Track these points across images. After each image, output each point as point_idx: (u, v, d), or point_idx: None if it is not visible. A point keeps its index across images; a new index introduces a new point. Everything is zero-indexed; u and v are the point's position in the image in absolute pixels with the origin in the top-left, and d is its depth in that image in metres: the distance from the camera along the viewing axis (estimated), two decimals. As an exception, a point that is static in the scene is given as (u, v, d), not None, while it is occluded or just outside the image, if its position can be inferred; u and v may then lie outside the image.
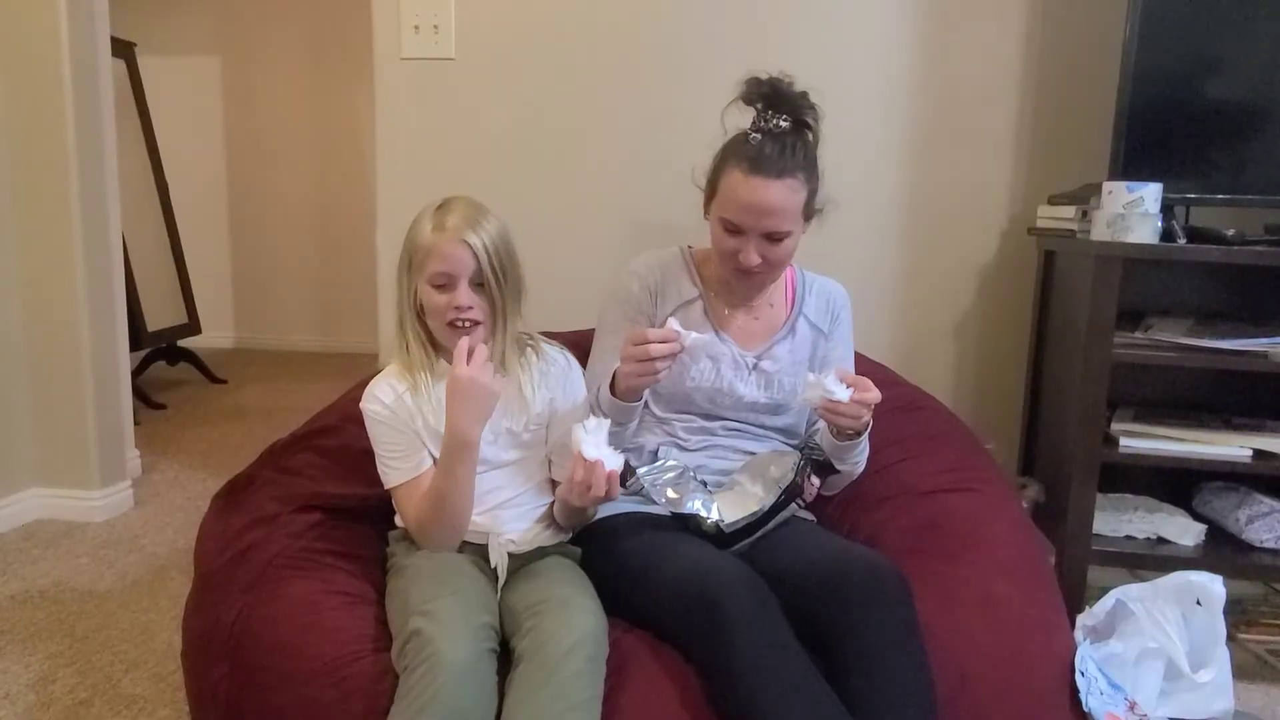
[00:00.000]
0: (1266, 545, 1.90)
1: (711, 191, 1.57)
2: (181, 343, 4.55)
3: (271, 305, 5.59)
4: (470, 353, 1.36)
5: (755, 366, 1.63)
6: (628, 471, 1.56)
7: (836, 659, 1.24)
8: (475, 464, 1.41)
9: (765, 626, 1.23)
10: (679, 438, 1.62)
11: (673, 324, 1.41)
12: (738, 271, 1.55)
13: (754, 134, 1.51)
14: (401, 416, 1.45)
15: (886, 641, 1.24)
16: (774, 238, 1.50)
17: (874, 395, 1.41)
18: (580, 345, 1.69)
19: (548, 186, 2.35)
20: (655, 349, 1.39)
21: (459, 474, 1.40)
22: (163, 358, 4.51)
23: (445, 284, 1.42)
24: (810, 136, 1.54)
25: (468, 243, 1.40)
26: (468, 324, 1.42)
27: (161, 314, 4.30)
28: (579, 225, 2.34)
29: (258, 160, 5.45)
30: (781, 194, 1.47)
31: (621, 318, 1.65)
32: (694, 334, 1.41)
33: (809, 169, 1.51)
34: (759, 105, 1.52)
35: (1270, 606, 2.18)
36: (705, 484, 1.56)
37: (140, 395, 3.99)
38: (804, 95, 1.52)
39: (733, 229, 1.51)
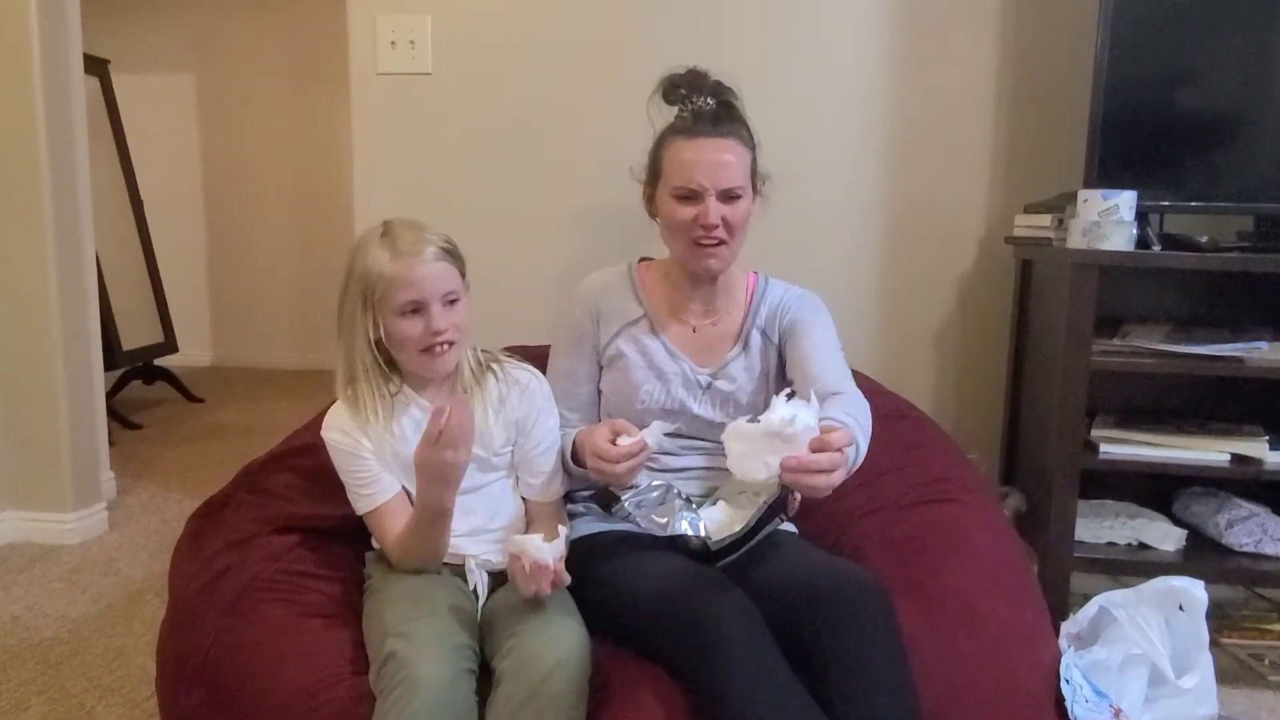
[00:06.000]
0: (1246, 549, 1.91)
1: (655, 175, 1.56)
2: (158, 361, 4.50)
3: (251, 323, 5.54)
4: (444, 421, 1.25)
5: (709, 386, 1.59)
6: (611, 499, 1.54)
7: (821, 675, 1.23)
8: (448, 521, 1.37)
9: (751, 644, 1.22)
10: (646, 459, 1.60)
11: (624, 442, 1.37)
12: (700, 247, 1.49)
13: (684, 114, 1.54)
14: (362, 444, 1.42)
15: (870, 656, 1.23)
16: (729, 196, 1.48)
17: (840, 437, 1.16)
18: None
19: (526, 200, 2.34)
20: (622, 467, 1.36)
21: (430, 534, 1.37)
22: (139, 377, 4.46)
23: (417, 310, 1.36)
24: (738, 111, 1.56)
25: (436, 262, 1.36)
26: (446, 346, 1.39)
27: (137, 333, 4.25)
28: (559, 238, 2.34)
29: (234, 177, 5.41)
30: (726, 148, 1.48)
31: (566, 343, 1.65)
32: (656, 427, 1.39)
33: (746, 134, 1.53)
34: (682, 92, 1.54)
35: (1251, 610, 2.19)
36: (690, 501, 1.55)
37: (116, 415, 3.94)
38: (719, 82, 1.55)
39: (686, 195, 1.49)
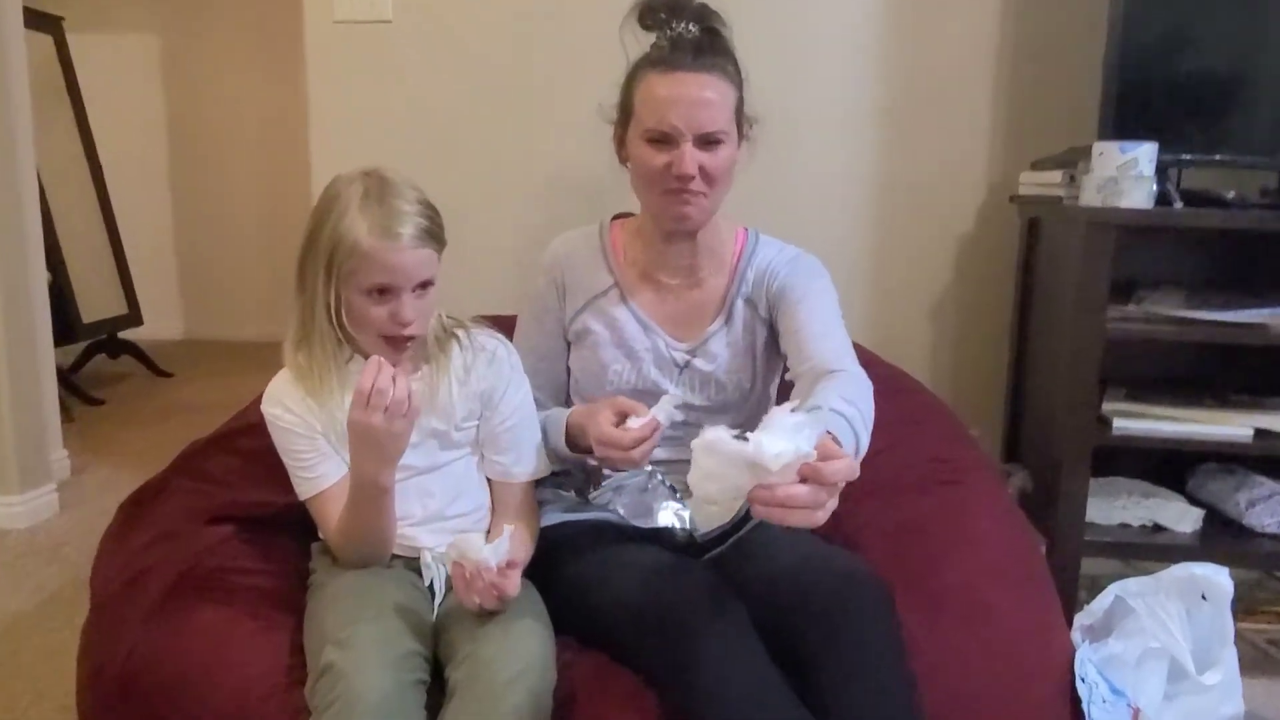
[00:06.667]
0: (1269, 530, 1.79)
1: (625, 114, 1.37)
2: (124, 334, 4.33)
3: (222, 294, 5.35)
4: (375, 383, 1.11)
5: (687, 365, 1.41)
6: (589, 485, 1.39)
7: (812, 679, 1.10)
8: (389, 500, 1.22)
9: (734, 647, 1.09)
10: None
11: (634, 423, 1.22)
12: (673, 197, 1.30)
13: (662, 42, 1.33)
14: (308, 421, 1.27)
15: (867, 659, 1.09)
16: (709, 141, 1.28)
17: (838, 469, 0.90)
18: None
19: (495, 157, 2.17)
20: (638, 452, 1.20)
21: (368, 515, 1.22)
22: (103, 351, 4.29)
23: (385, 294, 1.21)
24: (725, 41, 1.35)
25: (418, 248, 1.20)
26: (408, 339, 1.24)
27: (99, 304, 4.07)
28: (530, 198, 2.17)
29: (202, 143, 5.20)
30: (708, 84, 1.28)
31: (531, 316, 1.49)
32: (666, 400, 1.23)
33: (733, 68, 1.33)
34: (661, 16, 1.33)
35: (1267, 592, 2.08)
36: (675, 489, 1.40)
37: (76, 391, 3.78)
38: (704, 4, 1.34)
39: (660, 138, 1.29)
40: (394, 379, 1.12)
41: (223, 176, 5.23)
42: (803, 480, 0.88)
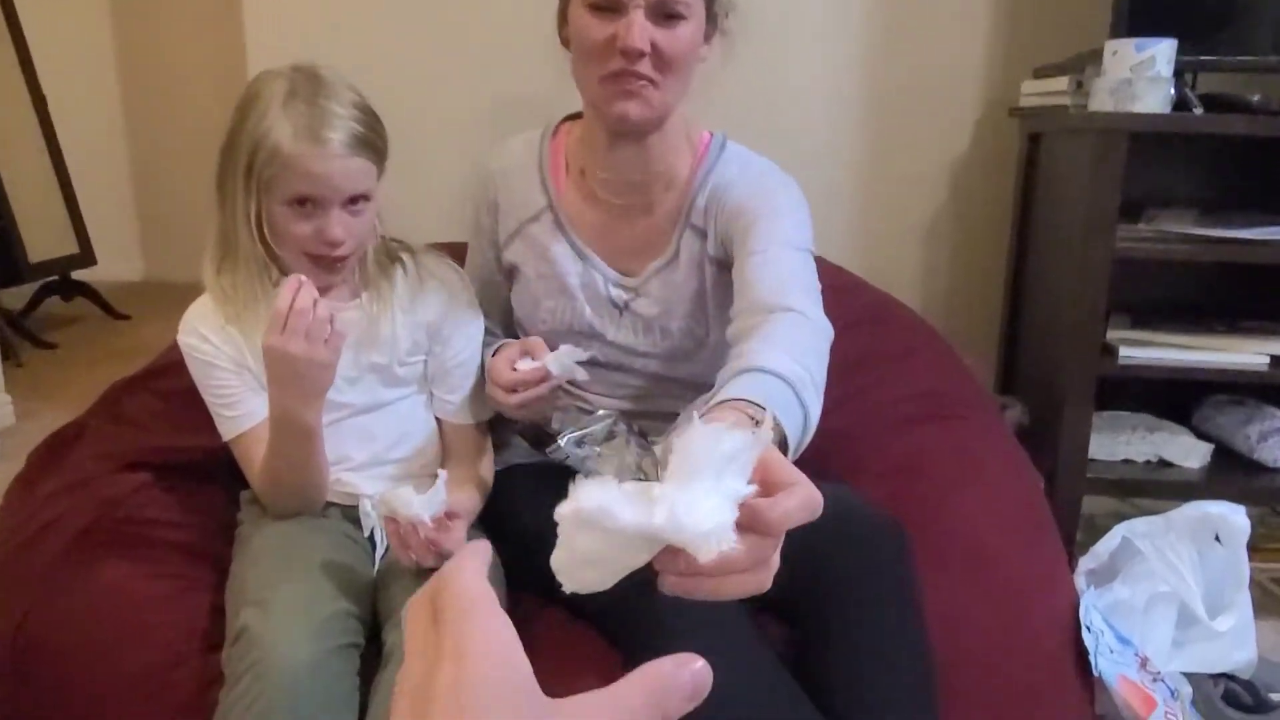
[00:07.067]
0: (1281, 465, 1.68)
1: None
2: (78, 275, 4.13)
3: (183, 234, 5.10)
4: (294, 303, 0.97)
5: (626, 307, 1.21)
6: (544, 435, 1.25)
7: (815, 637, 0.98)
8: (315, 442, 1.09)
9: (709, 615, 0.95)
10: (579, 397, 1.28)
11: (524, 366, 1.10)
12: (617, 85, 1.06)
13: None
14: (229, 352, 1.13)
15: (881, 620, 0.96)
16: (667, 14, 1.04)
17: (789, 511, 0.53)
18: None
19: (447, 57, 1.99)
20: (515, 399, 1.09)
21: (294, 456, 1.09)
22: (56, 293, 4.10)
23: (310, 206, 1.06)
24: None
25: (349, 158, 1.05)
26: (338, 260, 1.10)
27: (47, 244, 3.86)
28: (488, 106, 1.99)
29: (156, 73, 4.94)
30: None
31: (472, 239, 1.33)
32: (564, 351, 1.10)
33: None
34: None
35: (1269, 529, 1.98)
36: (646, 436, 1.26)
37: (27, 334, 3.61)
38: None
39: (605, 3, 1.04)
40: (315, 301, 0.97)
41: (181, 109, 4.97)
42: (740, 527, 0.51)
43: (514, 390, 1.09)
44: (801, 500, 0.52)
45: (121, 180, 5.08)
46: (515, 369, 1.09)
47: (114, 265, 4.71)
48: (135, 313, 4.29)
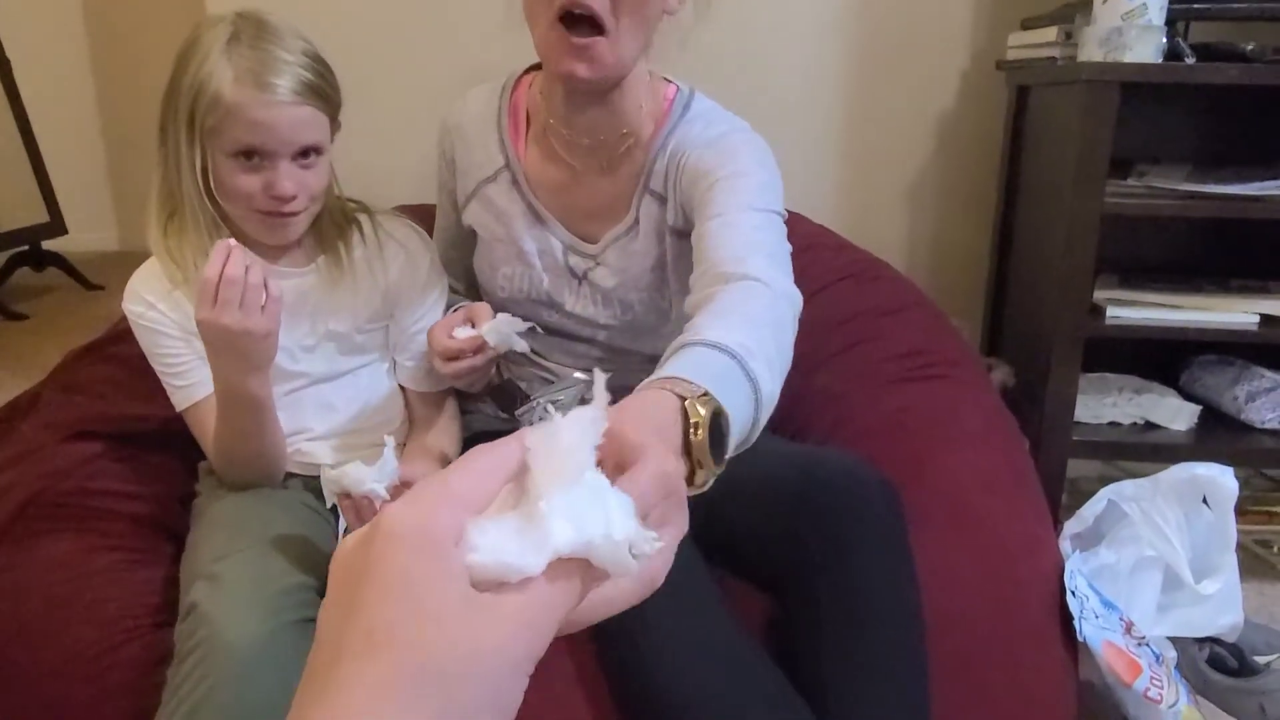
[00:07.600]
0: (1269, 426, 1.65)
1: None
2: (49, 245, 4.04)
3: (158, 202, 5.03)
4: (225, 271, 0.92)
5: (585, 277, 1.15)
6: (516, 397, 1.21)
7: (803, 603, 0.93)
8: (266, 413, 1.05)
9: (687, 601, 0.91)
10: (542, 366, 1.23)
11: (461, 334, 1.05)
12: (562, 35, 0.95)
13: None
14: (176, 319, 1.08)
15: (873, 583, 0.92)
16: None
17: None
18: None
19: (413, 13, 1.90)
20: (449, 368, 1.04)
21: (245, 427, 1.04)
22: (27, 263, 4.01)
23: (257, 158, 1.01)
24: None
25: (296, 106, 1.00)
26: (289, 215, 1.04)
27: (14, 213, 3.78)
28: (459, 52, 1.91)
29: (125, 36, 4.81)
30: None
31: (438, 197, 1.27)
32: (501, 321, 1.05)
33: None
34: None
35: (1253, 491, 1.96)
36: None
37: (-5, 305, 3.54)
38: None
39: None
40: (247, 267, 0.92)
41: (154, 74, 4.82)
42: None
43: (453, 359, 1.04)
44: (651, 476, 0.43)
45: (93, 147, 4.96)
46: (453, 336, 1.04)
47: (87, 235, 4.61)
48: (109, 283, 4.21)
